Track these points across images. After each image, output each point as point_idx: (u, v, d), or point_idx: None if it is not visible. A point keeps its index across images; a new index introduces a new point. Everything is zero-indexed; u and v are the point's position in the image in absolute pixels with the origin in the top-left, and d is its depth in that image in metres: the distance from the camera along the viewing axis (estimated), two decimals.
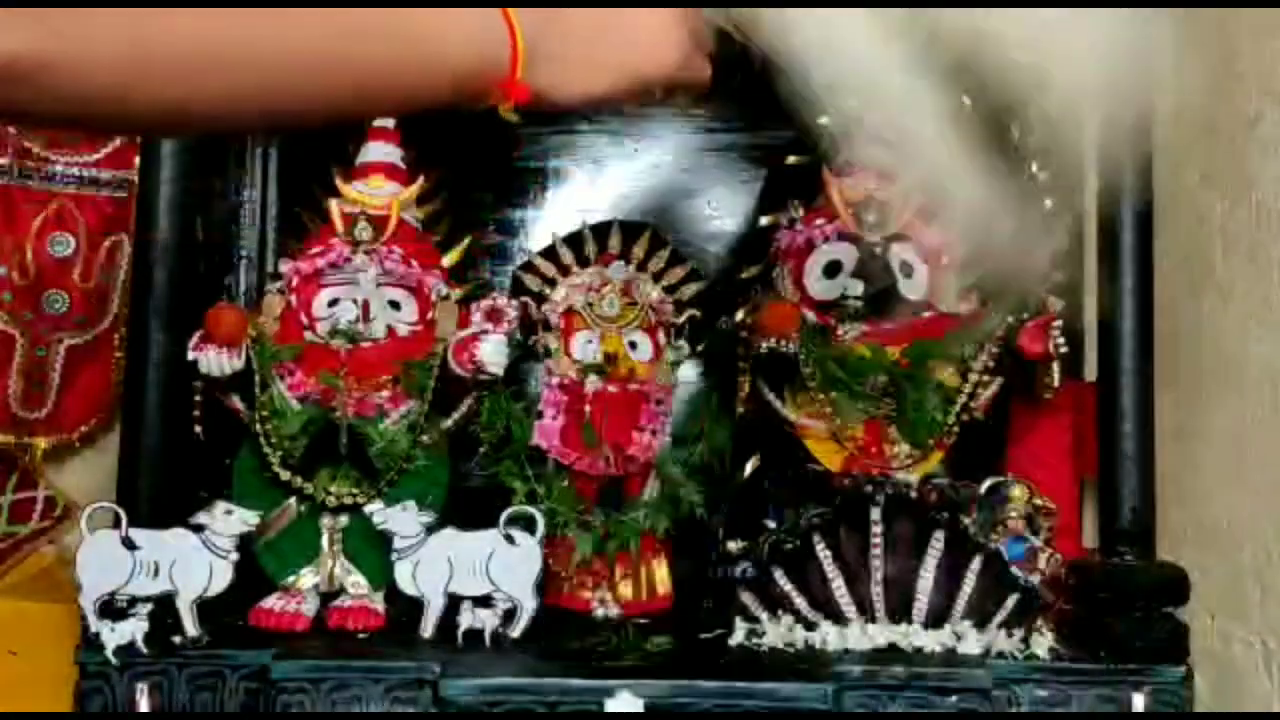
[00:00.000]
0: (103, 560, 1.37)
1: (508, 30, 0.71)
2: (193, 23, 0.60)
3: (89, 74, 0.58)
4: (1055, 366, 1.54)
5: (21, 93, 0.56)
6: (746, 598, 1.47)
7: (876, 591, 1.46)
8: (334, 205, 1.62)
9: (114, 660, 1.34)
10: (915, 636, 1.43)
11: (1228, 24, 1.57)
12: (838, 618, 1.45)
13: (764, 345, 1.55)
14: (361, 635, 1.46)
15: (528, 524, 1.48)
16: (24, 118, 0.64)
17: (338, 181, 1.64)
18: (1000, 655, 1.39)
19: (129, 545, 1.38)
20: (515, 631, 1.44)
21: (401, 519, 1.45)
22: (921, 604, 1.45)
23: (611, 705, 1.31)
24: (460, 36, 0.70)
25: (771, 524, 1.57)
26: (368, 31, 0.67)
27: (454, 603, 1.45)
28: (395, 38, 0.68)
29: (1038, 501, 1.55)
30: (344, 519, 1.54)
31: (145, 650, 1.35)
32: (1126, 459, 1.45)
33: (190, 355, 1.48)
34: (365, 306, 1.58)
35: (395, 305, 1.61)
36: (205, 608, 1.40)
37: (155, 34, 0.60)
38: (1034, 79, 0.83)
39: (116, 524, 1.39)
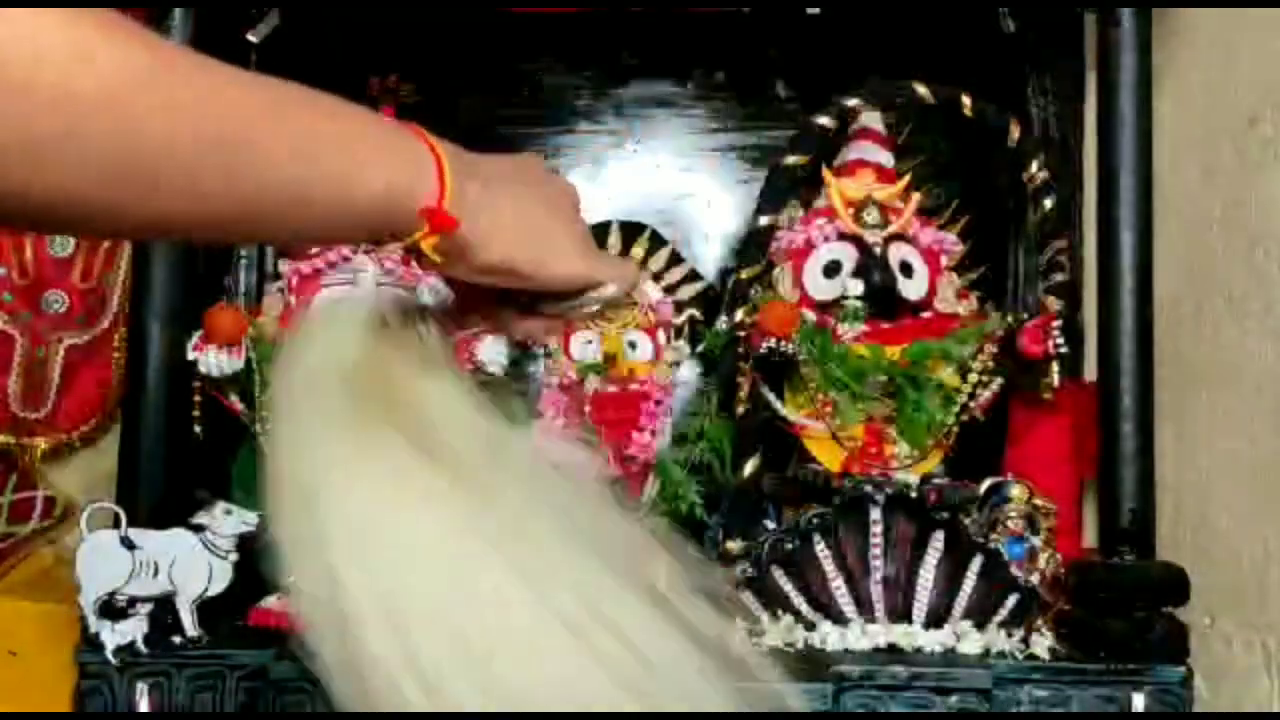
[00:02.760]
0: (102, 560, 1.37)
1: (435, 169, 0.64)
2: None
3: None
4: (1055, 366, 1.54)
5: None
6: (746, 598, 1.47)
7: (876, 591, 1.46)
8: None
9: (114, 660, 1.34)
10: (915, 636, 1.43)
11: (1228, 24, 1.57)
12: (838, 618, 1.45)
13: (764, 345, 1.55)
14: None
15: None
16: None
17: None
18: (1000, 655, 1.39)
19: (129, 545, 1.37)
20: None
21: None
22: (921, 604, 1.45)
23: None
24: (385, 167, 0.62)
25: (771, 524, 1.57)
26: (280, 153, 0.57)
27: None
28: (313, 164, 0.59)
29: (1038, 501, 1.55)
30: None
31: (145, 650, 1.35)
32: (1126, 459, 1.45)
33: (190, 355, 1.47)
34: None
35: None
36: (205, 608, 1.40)
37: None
38: None
39: (116, 524, 1.39)
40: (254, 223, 0.60)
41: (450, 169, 0.65)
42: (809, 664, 1.38)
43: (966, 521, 1.47)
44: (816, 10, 1.66)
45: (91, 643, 1.34)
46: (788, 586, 1.46)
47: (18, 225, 0.55)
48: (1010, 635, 1.41)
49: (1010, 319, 1.61)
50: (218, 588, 1.40)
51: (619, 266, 0.80)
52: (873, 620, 1.45)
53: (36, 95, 0.48)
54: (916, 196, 1.69)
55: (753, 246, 1.72)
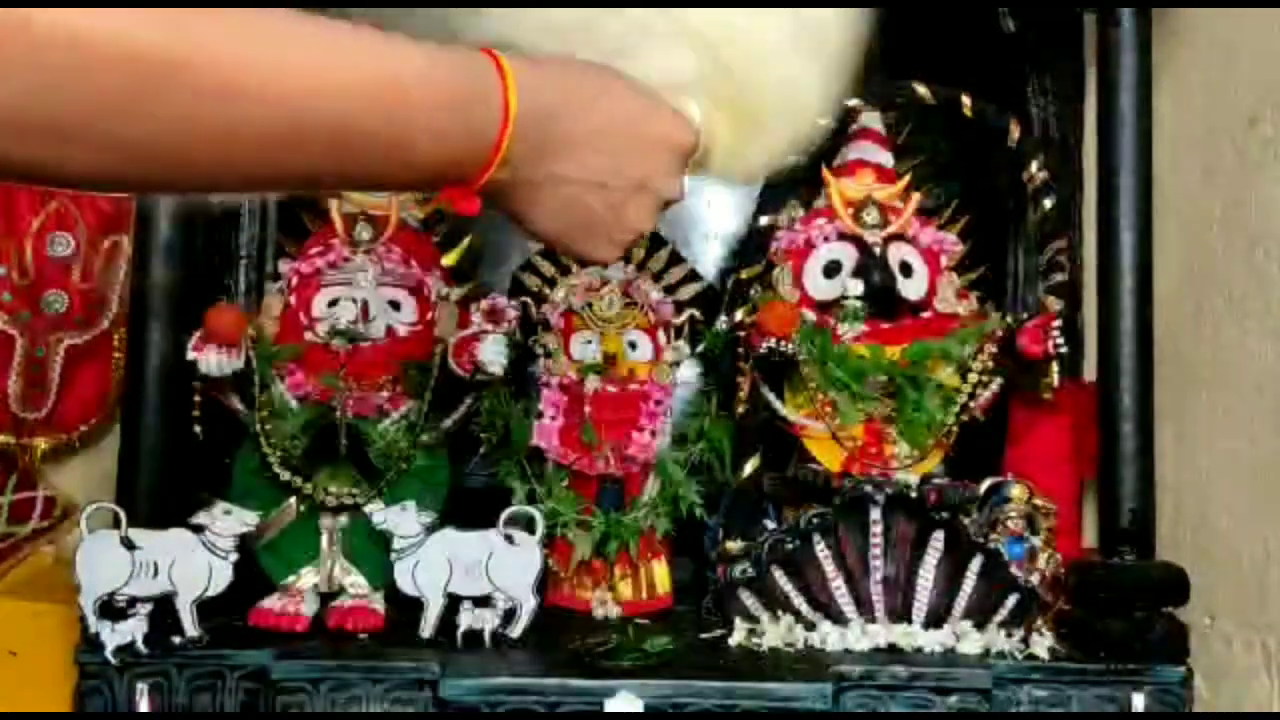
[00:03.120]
0: (102, 560, 1.37)
1: (491, 149, 0.63)
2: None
3: None
4: (1055, 366, 1.54)
5: None
6: (746, 598, 1.47)
7: (876, 591, 1.46)
8: (334, 206, 1.62)
9: (114, 660, 1.34)
10: (915, 636, 1.43)
11: (1228, 24, 1.57)
12: (838, 618, 1.45)
13: (764, 345, 1.55)
14: (361, 635, 1.46)
15: (528, 524, 1.48)
16: None
17: None
18: (1000, 655, 1.39)
19: (129, 545, 1.37)
20: (515, 631, 1.44)
21: (401, 519, 1.45)
22: (921, 604, 1.45)
23: (611, 705, 1.31)
24: (435, 153, 0.62)
25: (771, 524, 1.57)
26: (325, 122, 0.57)
27: (454, 603, 1.45)
28: (357, 136, 0.58)
29: (1038, 501, 1.55)
30: (344, 519, 1.54)
31: (145, 650, 1.35)
32: (1126, 459, 1.45)
33: (190, 355, 1.47)
34: (365, 307, 1.58)
35: (395, 305, 1.61)
36: (205, 608, 1.40)
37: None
38: None
39: (116, 524, 1.39)
40: (301, 185, 0.62)
41: (509, 150, 0.63)
42: (809, 664, 1.38)
43: (966, 521, 1.47)
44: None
45: (91, 643, 1.34)
46: (788, 586, 1.46)
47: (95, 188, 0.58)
48: (1010, 635, 1.41)
49: (1010, 319, 1.61)
50: (217, 588, 1.40)
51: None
52: (873, 620, 1.45)
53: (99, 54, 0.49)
54: (916, 196, 1.69)
55: (753, 246, 1.72)
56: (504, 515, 1.48)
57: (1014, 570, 1.45)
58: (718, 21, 0.74)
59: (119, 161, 0.53)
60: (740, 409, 1.64)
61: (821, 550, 1.46)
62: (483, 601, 1.45)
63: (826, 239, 1.64)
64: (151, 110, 0.51)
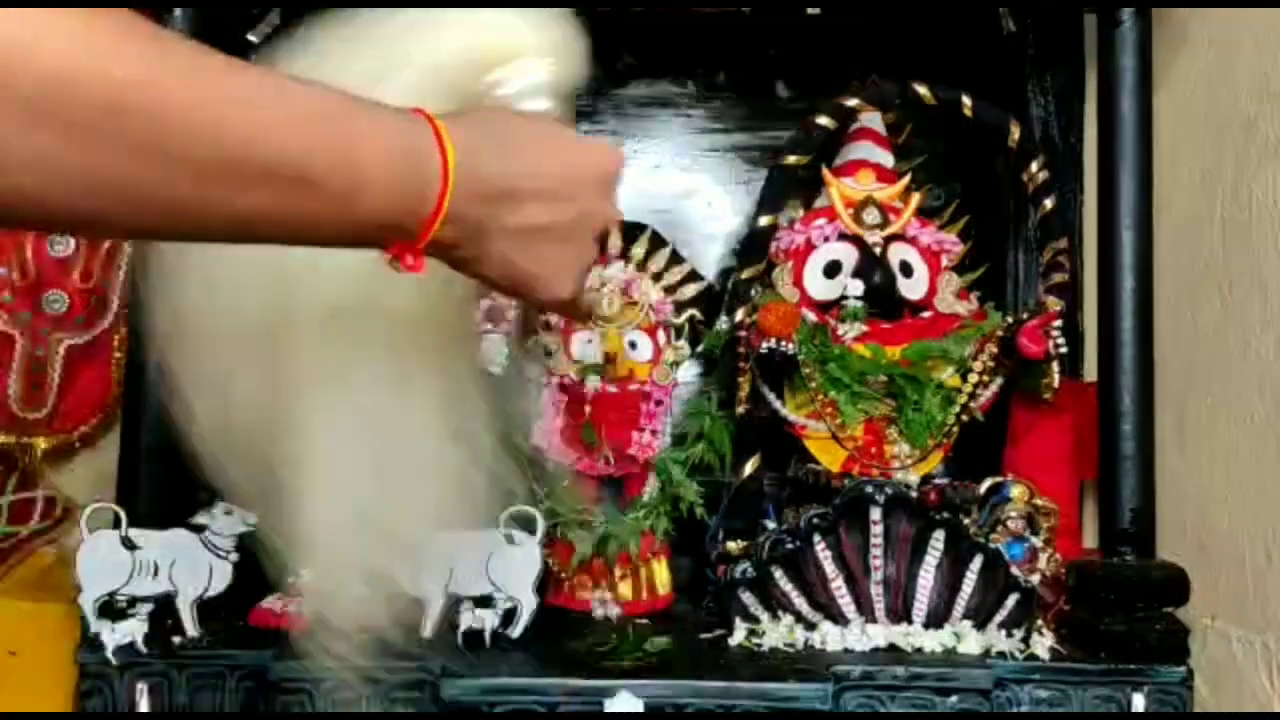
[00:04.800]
0: (102, 560, 1.37)
1: (434, 205, 0.64)
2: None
3: None
4: (1055, 366, 1.54)
5: None
6: (746, 598, 1.47)
7: (876, 591, 1.46)
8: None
9: (114, 660, 1.34)
10: (915, 636, 1.43)
11: (1228, 24, 1.57)
12: (838, 618, 1.45)
13: (764, 345, 1.55)
14: (361, 635, 1.46)
15: (528, 524, 1.48)
16: None
17: None
18: (1000, 655, 1.39)
19: (129, 545, 1.37)
20: (515, 631, 1.44)
21: None
22: (921, 604, 1.45)
23: (611, 705, 1.31)
24: (381, 197, 0.62)
25: (771, 524, 1.57)
26: (274, 172, 0.56)
27: (454, 603, 1.45)
28: (306, 188, 0.58)
29: (1038, 501, 1.55)
30: None
31: (145, 650, 1.35)
32: (1126, 459, 1.45)
33: None
34: None
35: None
36: (205, 608, 1.40)
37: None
38: None
39: (116, 524, 1.39)
40: (249, 233, 0.60)
41: (455, 190, 0.64)
42: (809, 664, 1.38)
43: (966, 521, 1.47)
44: (817, 10, 1.66)
45: (91, 643, 1.34)
46: (788, 586, 1.46)
47: (24, 226, 0.56)
48: (1010, 635, 1.41)
49: (1010, 319, 1.61)
50: (218, 588, 1.40)
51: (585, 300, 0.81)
52: (873, 620, 1.45)
53: (34, 94, 0.48)
54: (916, 196, 1.69)
55: (753, 246, 1.72)
56: (504, 515, 1.48)
57: (1014, 570, 1.45)
58: None
59: (59, 195, 0.51)
60: (740, 409, 1.64)
61: (821, 550, 1.46)
62: (483, 601, 1.45)
63: (827, 239, 1.64)
64: (96, 142, 0.50)
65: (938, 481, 1.53)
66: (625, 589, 1.63)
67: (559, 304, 0.77)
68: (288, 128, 0.57)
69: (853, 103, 1.69)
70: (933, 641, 1.42)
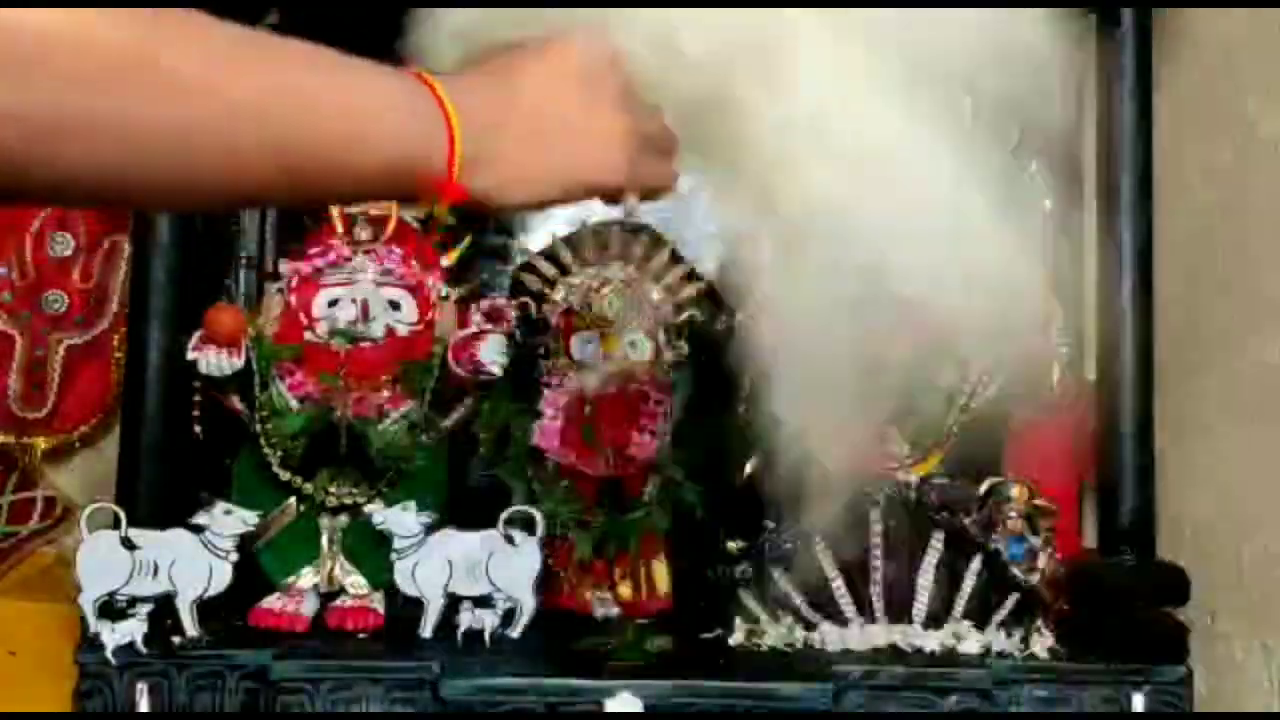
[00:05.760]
0: (102, 560, 1.37)
1: (446, 134, 0.65)
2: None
3: None
4: (1055, 366, 1.54)
5: None
6: (746, 598, 1.47)
7: (876, 591, 1.46)
8: (334, 205, 1.62)
9: (114, 660, 1.34)
10: (915, 636, 1.43)
11: (1228, 24, 1.57)
12: (837, 618, 1.45)
13: None
14: (361, 635, 1.46)
15: (528, 524, 1.48)
16: None
17: None
18: (1000, 655, 1.39)
19: (129, 545, 1.38)
20: (515, 631, 1.44)
21: (401, 519, 1.45)
22: (921, 604, 1.45)
23: (611, 705, 1.31)
24: (390, 135, 0.63)
25: (771, 524, 1.57)
26: (284, 117, 0.58)
27: (454, 603, 1.45)
28: (315, 129, 0.60)
29: (1038, 501, 1.55)
30: (344, 519, 1.54)
31: (145, 650, 1.35)
32: (1126, 459, 1.45)
33: (190, 355, 1.47)
34: (365, 306, 1.58)
35: (395, 305, 1.61)
36: (205, 608, 1.40)
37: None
38: None
39: (116, 524, 1.39)
40: (256, 191, 0.62)
41: (461, 129, 0.65)
42: (809, 664, 1.38)
43: (966, 521, 1.47)
44: None
45: (91, 643, 1.34)
46: (788, 586, 1.46)
47: (47, 201, 0.59)
48: (1010, 635, 1.41)
49: None
50: (218, 588, 1.40)
51: (658, 170, 0.79)
52: (873, 620, 1.45)
53: (50, 67, 0.49)
54: None
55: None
56: (504, 515, 1.48)
57: (1014, 570, 1.45)
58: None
59: (80, 165, 0.52)
60: (740, 409, 1.64)
61: (821, 550, 1.46)
62: (483, 601, 1.45)
63: None
64: (112, 107, 0.51)
65: (938, 481, 1.53)
66: (625, 589, 1.63)
67: (619, 184, 0.75)
68: (294, 84, 0.59)
69: None
70: (933, 641, 1.42)
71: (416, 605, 1.45)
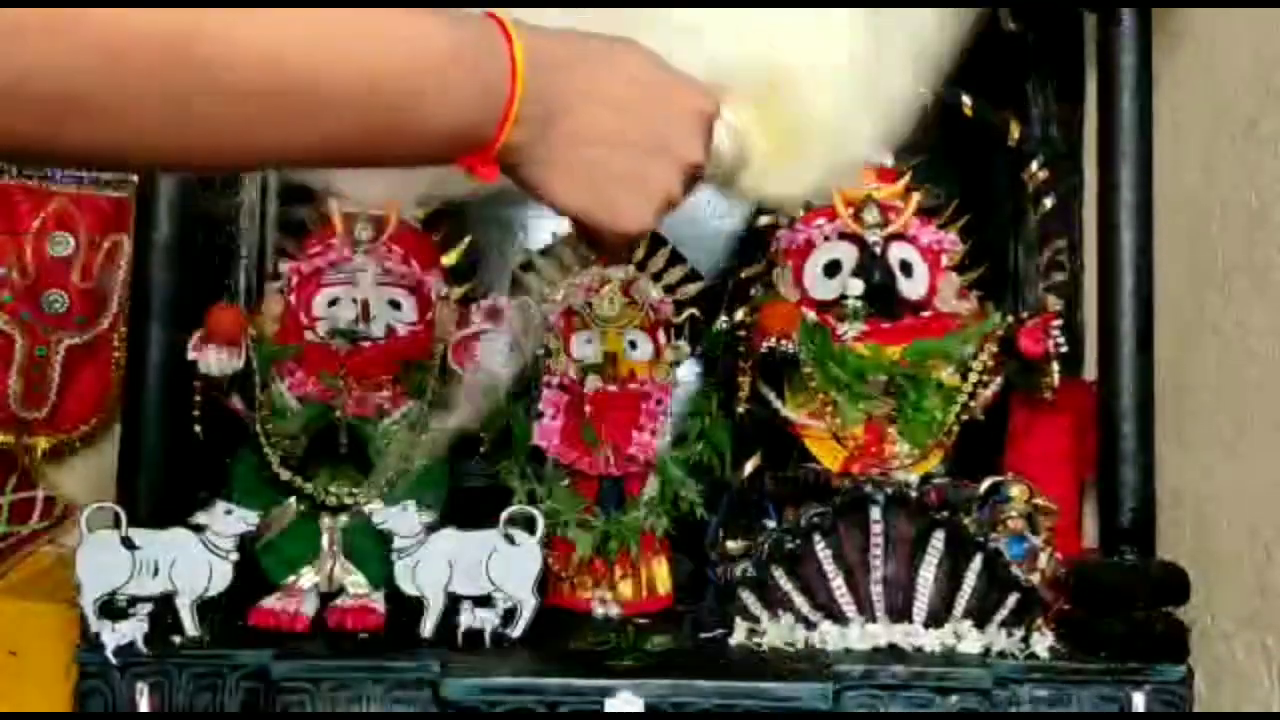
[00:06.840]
0: (102, 560, 1.37)
1: (501, 113, 0.62)
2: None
3: None
4: (1055, 366, 1.54)
5: None
6: (746, 598, 1.47)
7: (876, 591, 1.46)
8: (334, 205, 1.62)
9: (114, 660, 1.34)
10: (915, 636, 1.43)
11: (1228, 24, 1.57)
12: (838, 618, 1.45)
13: (764, 345, 1.55)
14: (361, 635, 1.46)
15: (528, 524, 1.48)
16: None
17: None
18: (1000, 655, 1.39)
19: (129, 545, 1.38)
20: (515, 631, 1.44)
21: (401, 519, 1.45)
22: (921, 604, 1.45)
23: (611, 705, 1.31)
24: (448, 114, 0.61)
25: (771, 524, 1.57)
26: (341, 86, 0.57)
27: (454, 603, 1.45)
28: (374, 91, 0.58)
29: (1038, 501, 1.55)
30: (344, 519, 1.54)
31: (145, 650, 1.35)
32: (1126, 459, 1.45)
33: (190, 355, 1.48)
34: (365, 306, 1.58)
35: (395, 305, 1.61)
36: (205, 608, 1.41)
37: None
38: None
39: (116, 524, 1.39)
40: (320, 158, 0.62)
41: (521, 106, 0.63)
42: (809, 664, 1.38)
43: (966, 521, 1.47)
44: None
45: (91, 643, 1.34)
46: (788, 586, 1.46)
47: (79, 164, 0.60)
48: (1010, 635, 1.41)
49: (1010, 319, 1.61)
50: (218, 588, 1.40)
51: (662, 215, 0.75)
52: (873, 620, 1.45)
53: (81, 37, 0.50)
54: (916, 196, 1.68)
55: (753, 246, 1.72)
56: (504, 515, 1.48)
57: (1014, 570, 1.45)
58: (778, 32, 0.74)
59: (131, 133, 0.54)
60: (740, 409, 1.64)
61: (821, 550, 1.46)
62: (483, 601, 1.45)
63: (826, 238, 1.64)
64: (169, 80, 0.52)
65: (938, 481, 1.53)
66: (625, 589, 1.63)
67: (623, 236, 0.71)
68: (348, 49, 0.58)
69: None
70: (933, 641, 1.42)
71: (416, 605, 1.45)
